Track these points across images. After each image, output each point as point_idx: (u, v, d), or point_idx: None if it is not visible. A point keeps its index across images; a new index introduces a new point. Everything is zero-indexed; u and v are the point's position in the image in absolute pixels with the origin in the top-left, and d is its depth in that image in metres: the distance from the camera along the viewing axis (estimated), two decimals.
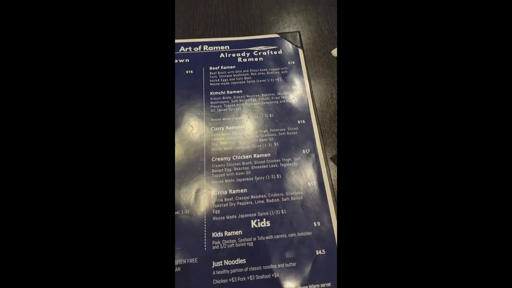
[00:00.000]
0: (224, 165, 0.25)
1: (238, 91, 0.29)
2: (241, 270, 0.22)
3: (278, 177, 0.25)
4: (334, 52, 0.27)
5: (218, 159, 0.26)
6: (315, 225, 0.23)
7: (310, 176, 0.25)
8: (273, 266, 0.22)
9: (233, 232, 0.23)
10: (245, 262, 0.22)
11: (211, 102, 0.28)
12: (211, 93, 0.29)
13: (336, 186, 0.25)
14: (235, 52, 0.31)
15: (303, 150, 0.26)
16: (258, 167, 0.25)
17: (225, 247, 0.22)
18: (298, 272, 0.22)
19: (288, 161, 0.26)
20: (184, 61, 0.30)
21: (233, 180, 0.25)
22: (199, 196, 0.24)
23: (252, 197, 0.24)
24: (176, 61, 0.30)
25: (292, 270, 0.22)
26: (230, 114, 0.28)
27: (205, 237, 0.23)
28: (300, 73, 0.30)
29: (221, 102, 0.28)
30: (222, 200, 0.24)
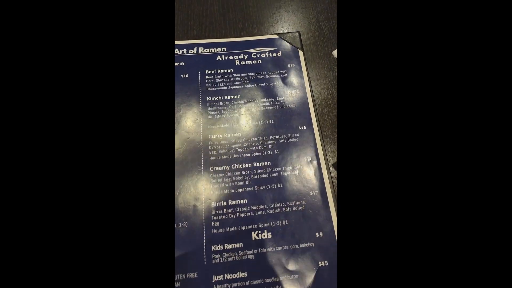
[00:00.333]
0: (223, 174, 0.24)
1: (236, 96, 0.28)
2: (242, 283, 0.21)
3: (279, 186, 0.24)
4: (335, 53, 0.26)
5: (217, 168, 0.25)
6: (317, 235, 0.23)
7: (312, 184, 0.24)
8: (275, 279, 0.21)
9: (233, 244, 0.22)
10: (246, 275, 0.21)
11: (208, 108, 0.27)
12: (208, 98, 0.28)
13: None
14: (233, 55, 0.30)
15: (305, 158, 0.25)
16: (258, 176, 0.24)
17: (225, 260, 0.22)
18: (300, 284, 0.21)
19: (289, 169, 0.25)
20: (179, 64, 0.29)
21: (233, 190, 0.24)
22: (197, 208, 0.23)
23: (252, 207, 0.23)
24: None
25: (295, 283, 0.21)
26: (228, 121, 0.27)
27: (204, 250, 0.22)
28: (301, 76, 0.29)
29: (218, 108, 0.27)
30: (221, 212, 0.23)
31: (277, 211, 0.23)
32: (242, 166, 0.25)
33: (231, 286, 0.21)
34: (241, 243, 0.22)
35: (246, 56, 0.30)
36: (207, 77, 0.29)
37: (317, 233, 0.23)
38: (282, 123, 0.27)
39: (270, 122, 0.27)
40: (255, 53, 0.30)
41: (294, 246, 0.22)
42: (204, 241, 0.22)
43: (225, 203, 0.23)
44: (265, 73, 0.29)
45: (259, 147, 0.26)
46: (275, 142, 0.26)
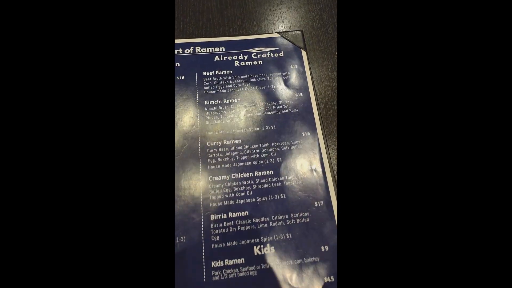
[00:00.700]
0: (222, 185, 0.23)
1: (235, 100, 0.26)
2: None
3: (282, 197, 0.23)
4: None
5: (216, 178, 0.23)
6: (323, 249, 0.21)
7: (317, 194, 0.23)
8: None
9: (234, 260, 0.21)
10: None
11: (206, 113, 0.25)
12: (205, 102, 0.26)
13: None
14: (232, 55, 0.28)
15: (309, 166, 0.24)
16: (260, 186, 0.23)
17: (226, 277, 0.20)
18: None
19: (292, 178, 0.23)
20: (175, 65, 0.27)
21: (233, 201, 0.23)
22: (196, 221, 0.22)
23: (254, 220, 0.22)
24: None
25: None
26: (228, 127, 0.25)
27: (204, 267, 0.21)
28: (304, 77, 0.27)
29: (217, 112, 0.26)
30: (221, 225, 0.22)
31: (280, 224, 0.22)
32: (242, 175, 0.23)
33: None
34: (243, 259, 0.21)
35: (246, 57, 0.28)
36: (204, 79, 0.27)
37: (322, 247, 0.22)
38: (284, 129, 0.25)
39: (272, 127, 0.25)
40: (255, 53, 0.28)
41: (298, 261, 0.21)
42: (204, 256, 0.21)
43: (225, 216, 0.22)
44: (266, 74, 0.27)
45: (261, 155, 0.24)
46: (278, 149, 0.24)
